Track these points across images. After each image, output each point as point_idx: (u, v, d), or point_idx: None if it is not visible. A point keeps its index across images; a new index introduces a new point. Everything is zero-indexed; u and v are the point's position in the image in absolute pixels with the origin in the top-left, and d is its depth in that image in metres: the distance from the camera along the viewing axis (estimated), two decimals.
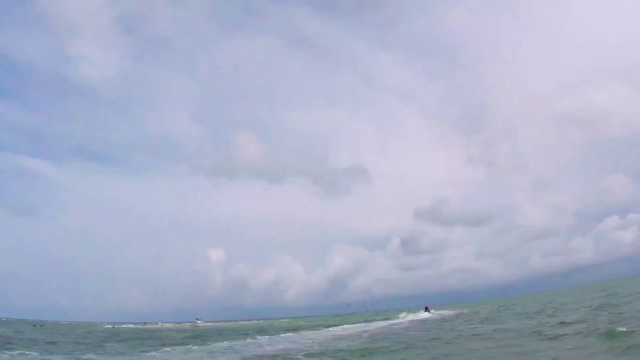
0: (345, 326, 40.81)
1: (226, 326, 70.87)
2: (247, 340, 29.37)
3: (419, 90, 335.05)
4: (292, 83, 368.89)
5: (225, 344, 27.13)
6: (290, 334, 34.92)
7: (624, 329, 16.57)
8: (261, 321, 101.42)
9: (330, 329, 38.47)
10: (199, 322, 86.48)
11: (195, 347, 26.56)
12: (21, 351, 22.92)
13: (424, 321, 42.42)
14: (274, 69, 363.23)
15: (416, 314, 60.29)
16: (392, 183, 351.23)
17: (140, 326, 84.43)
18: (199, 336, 38.81)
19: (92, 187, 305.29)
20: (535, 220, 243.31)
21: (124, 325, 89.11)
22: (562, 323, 23.44)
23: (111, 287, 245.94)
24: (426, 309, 63.73)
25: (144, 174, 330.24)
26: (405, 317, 54.16)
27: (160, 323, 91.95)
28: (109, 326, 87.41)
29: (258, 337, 32.84)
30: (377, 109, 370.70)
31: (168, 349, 26.06)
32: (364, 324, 42.60)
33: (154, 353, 24.41)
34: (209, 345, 27.66)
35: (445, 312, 56.63)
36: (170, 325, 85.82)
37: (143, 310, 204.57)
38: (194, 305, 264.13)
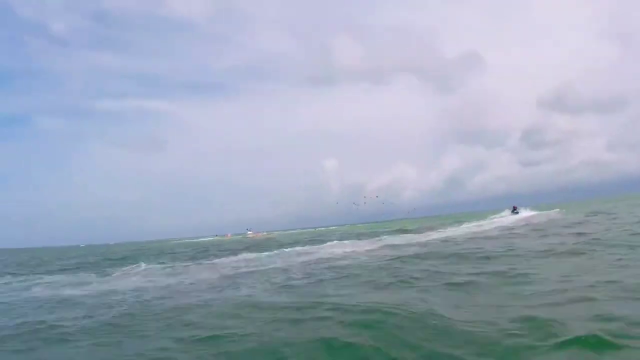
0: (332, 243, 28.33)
1: (272, 237, 73.67)
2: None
3: None
4: None
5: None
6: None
7: None
8: (332, 227, 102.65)
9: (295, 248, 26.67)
10: (250, 232, 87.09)
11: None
12: None
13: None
14: None
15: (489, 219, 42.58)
16: (511, 70, 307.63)
17: (212, 238, 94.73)
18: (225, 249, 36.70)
19: (205, 116, 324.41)
20: None
21: (202, 239, 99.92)
22: None
23: (233, 203, 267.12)
24: (514, 210, 49.84)
25: (251, 97, 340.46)
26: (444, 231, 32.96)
27: (229, 234, 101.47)
28: (187, 240, 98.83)
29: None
30: None
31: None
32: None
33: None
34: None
35: (549, 215, 38.14)
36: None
37: (266, 220, 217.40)
38: (315, 213, 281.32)
